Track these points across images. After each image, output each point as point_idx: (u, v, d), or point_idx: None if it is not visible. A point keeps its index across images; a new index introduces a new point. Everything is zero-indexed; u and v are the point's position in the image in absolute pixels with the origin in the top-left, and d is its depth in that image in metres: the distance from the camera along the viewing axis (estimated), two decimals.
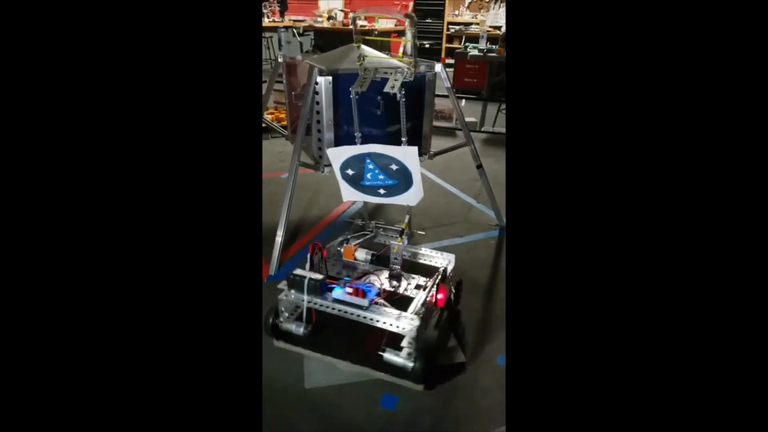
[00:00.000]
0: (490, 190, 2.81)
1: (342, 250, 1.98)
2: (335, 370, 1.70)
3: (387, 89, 1.79)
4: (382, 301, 1.66)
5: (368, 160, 1.73)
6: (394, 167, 1.70)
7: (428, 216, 2.99)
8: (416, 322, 1.52)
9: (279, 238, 2.28)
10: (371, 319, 1.59)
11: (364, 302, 1.60)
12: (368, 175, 1.76)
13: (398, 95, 1.79)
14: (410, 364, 1.55)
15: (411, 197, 1.76)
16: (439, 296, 1.72)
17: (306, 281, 1.63)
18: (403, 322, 1.56)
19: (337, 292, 1.65)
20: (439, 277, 1.82)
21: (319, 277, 1.66)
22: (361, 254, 1.93)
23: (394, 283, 1.87)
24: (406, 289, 1.89)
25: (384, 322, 1.57)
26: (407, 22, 1.80)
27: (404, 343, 1.54)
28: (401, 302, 1.79)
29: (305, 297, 1.65)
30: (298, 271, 1.69)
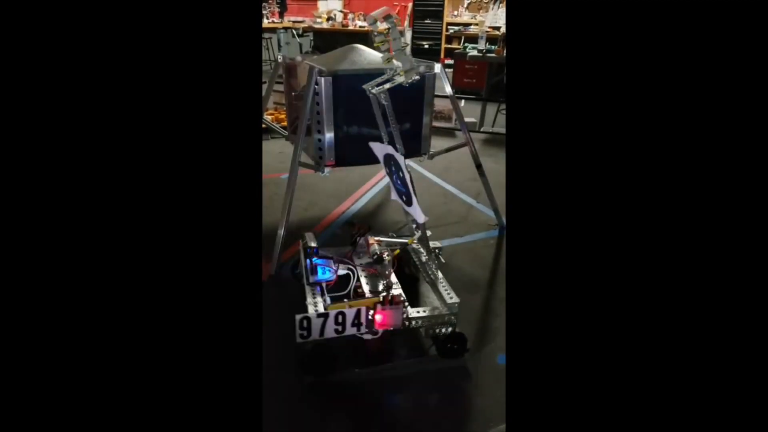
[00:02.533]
0: (490, 190, 2.82)
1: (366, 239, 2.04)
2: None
3: (372, 90, 1.72)
4: (323, 286, 1.78)
5: (392, 162, 1.69)
6: (401, 174, 1.66)
7: (428, 216, 2.99)
8: (303, 315, 1.55)
9: (279, 238, 2.28)
10: (306, 291, 1.80)
11: (310, 277, 1.80)
12: (394, 177, 1.74)
13: (381, 98, 1.69)
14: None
15: (417, 213, 1.67)
16: (377, 317, 1.60)
17: (303, 243, 1.91)
18: (309, 309, 1.66)
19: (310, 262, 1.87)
20: (384, 297, 1.65)
21: (313, 243, 1.85)
22: (373, 249, 1.97)
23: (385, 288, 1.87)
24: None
25: (305, 300, 1.75)
26: (385, 25, 1.68)
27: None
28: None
29: (302, 255, 1.91)
30: (308, 234, 1.93)
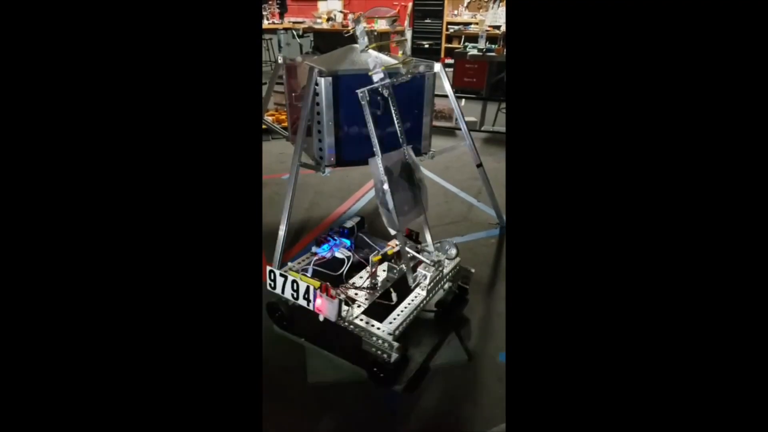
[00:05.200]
0: (491, 188, 2.82)
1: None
2: (338, 366, 1.71)
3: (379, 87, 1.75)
4: (315, 258, 1.94)
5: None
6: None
7: (428, 215, 2.99)
8: (271, 269, 1.78)
9: (281, 239, 2.28)
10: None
11: (314, 248, 1.99)
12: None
13: (360, 95, 1.72)
14: None
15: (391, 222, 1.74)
16: (317, 300, 1.65)
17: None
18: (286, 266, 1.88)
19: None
20: (323, 285, 1.68)
21: (350, 225, 2.06)
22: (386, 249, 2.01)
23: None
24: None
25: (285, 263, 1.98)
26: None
27: None
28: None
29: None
30: (354, 218, 2.15)
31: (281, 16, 8.52)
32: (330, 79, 2.04)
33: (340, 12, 8.85)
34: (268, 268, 1.77)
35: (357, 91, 1.72)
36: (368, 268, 1.88)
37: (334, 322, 1.66)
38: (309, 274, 1.83)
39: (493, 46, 5.46)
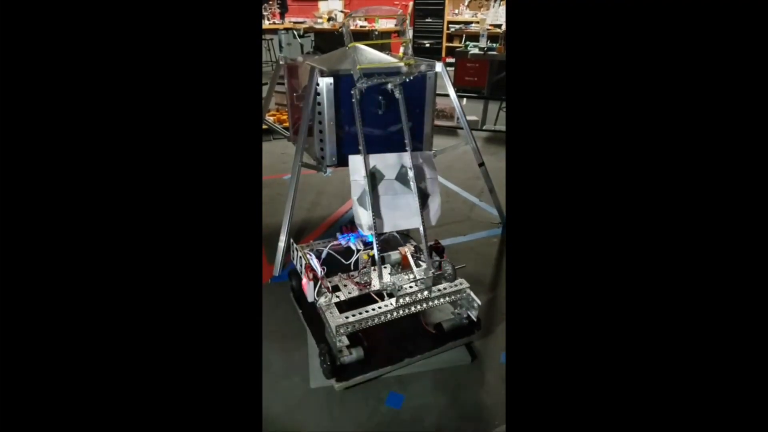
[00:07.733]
0: (493, 187, 2.81)
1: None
2: None
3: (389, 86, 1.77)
4: (333, 243, 2.03)
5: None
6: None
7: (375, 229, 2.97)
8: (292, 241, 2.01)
9: (282, 240, 2.28)
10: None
11: (338, 233, 2.08)
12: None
13: (354, 94, 1.79)
14: None
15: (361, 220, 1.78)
16: (303, 280, 1.76)
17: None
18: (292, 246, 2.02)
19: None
20: (306, 266, 1.77)
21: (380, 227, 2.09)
22: (396, 255, 1.97)
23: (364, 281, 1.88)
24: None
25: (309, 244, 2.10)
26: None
27: None
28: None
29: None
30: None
31: (282, 16, 8.53)
32: (331, 79, 2.04)
33: (341, 12, 8.85)
34: (292, 242, 2.02)
35: (352, 90, 1.72)
36: (362, 265, 1.86)
37: (310, 302, 1.76)
38: (323, 256, 1.93)
39: (494, 44, 5.46)
